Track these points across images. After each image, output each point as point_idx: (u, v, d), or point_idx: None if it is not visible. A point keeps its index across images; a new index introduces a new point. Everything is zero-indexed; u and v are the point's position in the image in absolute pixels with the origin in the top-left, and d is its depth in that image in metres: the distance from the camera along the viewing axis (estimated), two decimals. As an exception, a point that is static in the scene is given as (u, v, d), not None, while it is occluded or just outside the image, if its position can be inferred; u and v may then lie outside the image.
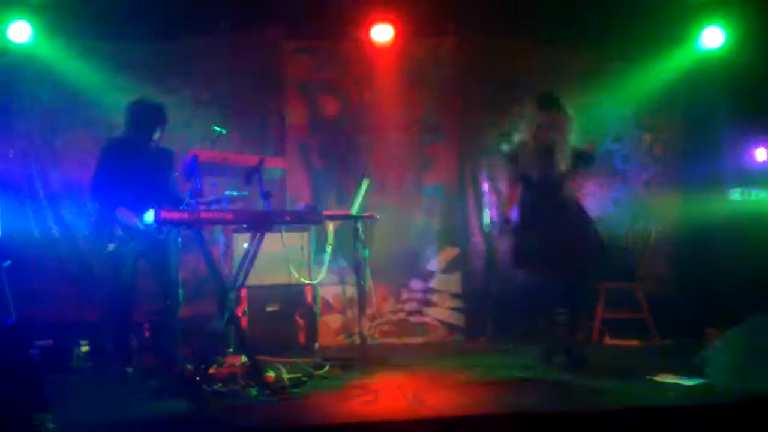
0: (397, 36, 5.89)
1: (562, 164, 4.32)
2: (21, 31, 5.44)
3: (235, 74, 5.86)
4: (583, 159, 4.39)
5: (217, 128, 4.58)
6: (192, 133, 5.61)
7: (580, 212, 4.46)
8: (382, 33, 5.86)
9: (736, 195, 5.72)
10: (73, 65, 5.58)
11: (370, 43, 5.93)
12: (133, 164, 4.33)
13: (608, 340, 5.46)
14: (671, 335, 5.42)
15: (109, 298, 4.39)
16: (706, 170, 6.08)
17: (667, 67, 6.10)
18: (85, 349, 4.63)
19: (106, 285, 4.36)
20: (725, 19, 5.90)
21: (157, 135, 4.40)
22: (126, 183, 4.28)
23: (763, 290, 4.81)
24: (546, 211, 4.34)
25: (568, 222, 4.32)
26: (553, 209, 4.33)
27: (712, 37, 5.96)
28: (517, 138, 4.49)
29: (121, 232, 4.19)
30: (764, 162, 6.09)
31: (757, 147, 6.07)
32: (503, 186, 5.48)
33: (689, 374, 3.85)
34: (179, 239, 4.34)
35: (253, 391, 3.73)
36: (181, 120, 5.56)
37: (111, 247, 4.20)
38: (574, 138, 4.38)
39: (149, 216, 3.79)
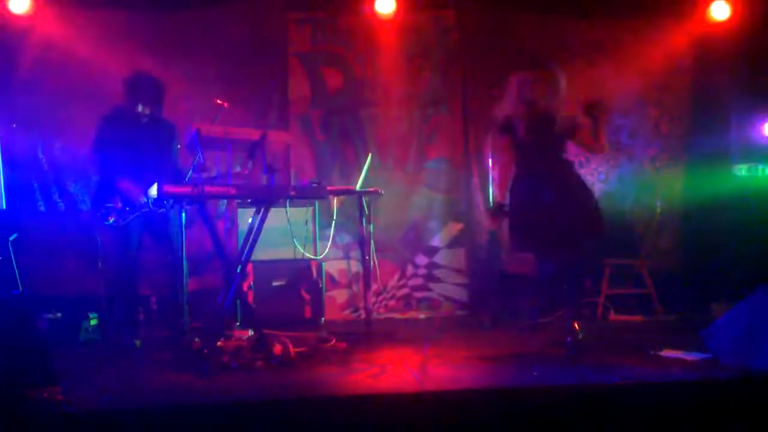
0: (399, 9, 5.83)
1: (555, 126, 4.03)
2: (20, 2, 5.38)
3: (237, 46, 5.80)
4: (594, 110, 4.02)
5: (218, 101, 4.56)
6: (193, 107, 5.57)
7: (578, 184, 4.15)
8: (385, 5, 5.80)
9: (742, 170, 5.69)
10: (74, 36, 5.52)
11: (373, 15, 5.87)
12: (134, 135, 4.33)
13: (613, 316, 5.47)
14: (676, 311, 5.44)
15: (115, 271, 4.41)
16: (713, 145, 6.05)
17: (674, 41, 6.04)
18: (93, 322, 4.65)
19: (112, 258, 4.38)
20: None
21: (147, 110, 4.38)
22: (126, 154, 4.28)
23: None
24: (541, 185, 4.07)
25: (564, 196, 4.02)
26: (548, 182, 4.05)
27: (719, 10, 5.88)
28: (507, 103, 4.19)
29: (122, 205, 4.20)
30: (771, 137, 6.05)
31: (764, 122, 6.03)
32: (497, 163, 4.96)
33: (694, 349, 3.87)
34: (184, 213, 4.34)
35: (260, 364, 3.76)
36: (183, 93, 5.52)
37: (111, 219, 4.21)
38: (561, 98, 4.09)
39: (153, 190, 3.78)
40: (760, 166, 5.64)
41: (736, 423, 3.10)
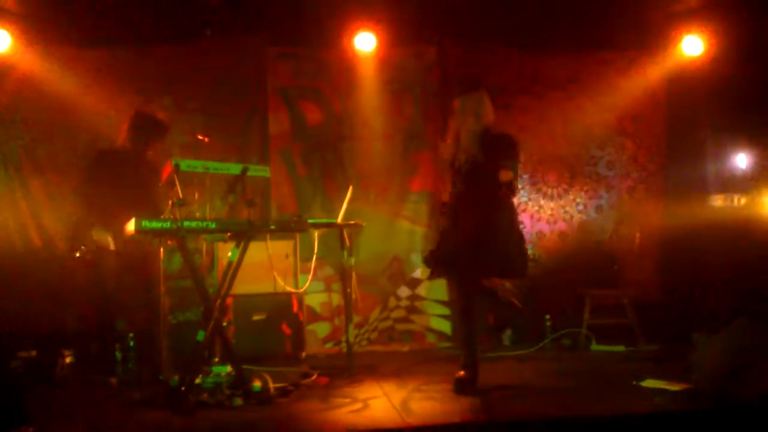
0: (379, 44, 5.90)
1: (470, 148, 3.97)
2: (1, 40, 5.38)
3: (217, 81, 5.82)
4: (510, 159, 3.93)
5: (199, 137, 4.57)
6: (174, 141, 5.57)
7: (495, 213, 4.00)
8: (365, 41, 5.87)
9: (718, 201, 5.77)
10: (53, 73, 5.52)
11: (353, 50, 5.93)
12: (123, 177, 4.33)
13: (595, 346, 5.48)
14: (657, 340, 5.45)
15: (92, 307, 4.35)
16: (690, 176, 6.16)
17: (649, 74, 6.17)
18: (68, 359, 4.56)
19: (87, 294, 4.32)
20: (705, 27, 5.97)
21: (151, 145, 4.40)
22: (112, 197, 4.27)
23: (747, 295, 4.85)
24: (462, 207, 4.05)
25: (481, 221, 3.95)
26: (467, 210, 4.02)
27: (692, 46, 6.02)
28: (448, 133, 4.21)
29: (92, 244, 4.19)
30: (745, 168, 6.16)
31: (738, 153, 6.14)
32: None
33: (675, 379, 3.87)
34: (161, 249, 4.31)
35: (239, 401, 3.70)
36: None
37: (78, 253, 4.19)
38: (482, 120, 4.03)
39: (131, 226, 3.75)
40: (735, 197, 5.72)
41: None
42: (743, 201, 5.72)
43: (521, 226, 4.23)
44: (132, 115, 4.47)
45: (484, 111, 4.09)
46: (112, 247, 4.18)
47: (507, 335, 5.80)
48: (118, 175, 4.34)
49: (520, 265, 4.07)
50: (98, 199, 4.30)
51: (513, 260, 4.02)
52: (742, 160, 6.14)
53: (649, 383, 3.94)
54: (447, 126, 4.27)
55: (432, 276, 4.40)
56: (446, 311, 5.96)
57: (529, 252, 5.78)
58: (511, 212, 4.10)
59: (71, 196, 4.39)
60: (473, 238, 3.92)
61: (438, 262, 4.13)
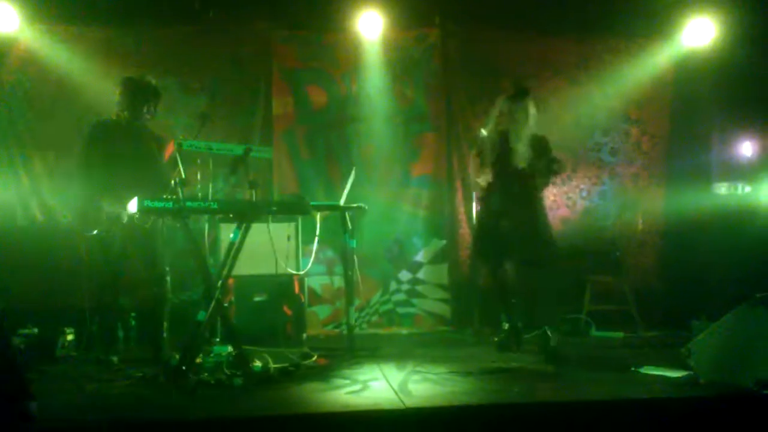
0: (383, 27, 5.87)
1: (516, 156, 4.38)
2: (5, 17, 5.36)
3: (222, 62, 5.82)
4: (545, 158, 4.38)
5: (203, 116, 4.54)
6: (177, 121, 5.56)
7: (534, 208, 4.47)
8: (369, 24, 5.84)
9: (722, 189, 5.75)
10: (57, 51, 5.50)
11: (357, 33, 5.90)
12: (121, 148, 4.27)
13: (594, 332, 5.49)
14: (657, 327, 5.47)
15: (96, 284, 4.35)
16: (693, 164, 6.14)
17: (656, 61, 6.13)
18: (70, 337, 4.58)
19: (94, 271, 4.32)
20: (713, 13, 5.92)
21: (146, 111, 4.36)
22: (113, 167, 4.23)
23: (748, 283, 4.84)
24: (501, 203, 4.45)
25: (518, 215, 4.40)
26: (507, 202, 4.43)
27: (700, 32, 5.97)
28: (489, 127, 4.56)
29: (105, 218, 4.16)
30: (750, 156, 6.13)
31: (743, 141, 6.11)
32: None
33: (674, 366, 3.88)
34: (164, 228, 4.30)
35: (239, 381, 3.72)
36: (167, 108, 5.49)
37: (95, 231, 4.17)
38: (529, 133, 4.41)
39: (133, 205, 3.74)
40: (740, 185, 5.70)
41: (716, 440, 3.11)
42: (747, 189, 5.70)
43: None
44: (122, 82, 4.42)
45: (531, 119, 4.42)
46: (124, 219, 4.15)
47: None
48: (118, 144, 4.29)
49: (552, 252, 4.47)
50: (102, 171, 4.27)
51: (548, 248, 4.42)
52: (747, 148, 6.11)
53: (648, 369, 3.95)
54: (488, 121, 4.58)
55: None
56: (446, 295, 5.98)
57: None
58: (544, 207, 4.57)
59: (75, 171, 4.35)
60: (521, 231, 4.35)
61: (485, 248, 4.59)
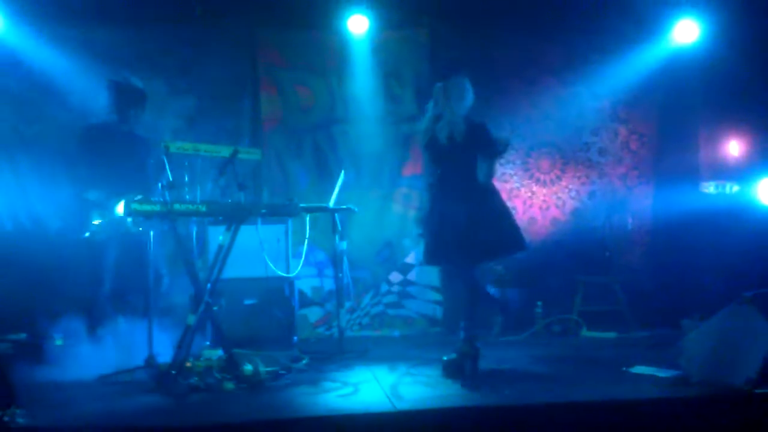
0: (371, 27, 5.85)
1: (454, 131, 4.00)
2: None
3: (208, 63, 5.77)
4: (484, 138, 4.00)
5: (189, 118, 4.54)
6: (164, 123, 5.51)
7: (486, 197, 4.04)
8: (357, 24, 5.82)
9: (710, 188, 5.78)
10: (42, 53, 5.45)
11: (345, 33, 5.88)
12: (112, 151, 4.27)
13: (586, 332, 5.50)
14: (648, 327, 5.48)
15: (84, 289, 4.32)
16: (681, 163, 6.15)
17: (643, 61, 6.14)
18: (58, 342, 4.54)
19: (85, 275, 4.29)
20: (700, 13, 5.94)
21: (133, 114, 4.34)
22: (105, 171, 4.22)
23: (737, 282, 4.87)
24: (447, 195, 4.05)
25: (469, 208, 3.96)
26: (454, 193, 4.02)
27: (688, 31, 6.00)
28: (426, 117, 4.22)
29: (98, 221, 4.13)
30: (738, 155, 6.16)
31: (731, 141, 6.14)
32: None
33: (665, 366, 3.89)
34: (152, 231, 4.27)
35: (230, 385, 3.69)
36: (154, 109, 5.45)
37: (88, 234, 4.14)
38: (464, 111, 4.06)
39: (120, 208, 3.71)
40: (728, 184, 5.73)
41: (707, 439, 3.12)
42: (735, 188, 5.72)
43: (507, 203, 4.23)
44: (108, 86, 4.41)
45: (467, 95, 4.11)
46: (115, 222, 4.12)
47: (498, 321, 5.80)
48: (108, 148, 4.30)
49: (517, 239, 4.08)
50: (92, 174, 4.26)
51: (508, 237, 4.04)
52: (734, 148, 6.14)
53: (639, 369, 3.95)
54: (424, 109, 4.28)
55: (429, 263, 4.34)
56: (438, 297, 5.97)
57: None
58: (494, 192, 4.13)
59: (66, 174, 4.34)
60: (466, 225, 3.93)
61: (433, 250, 4.13)
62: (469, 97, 4.11)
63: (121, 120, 4.40)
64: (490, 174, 4.03)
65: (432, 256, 4.18)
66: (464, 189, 4.01)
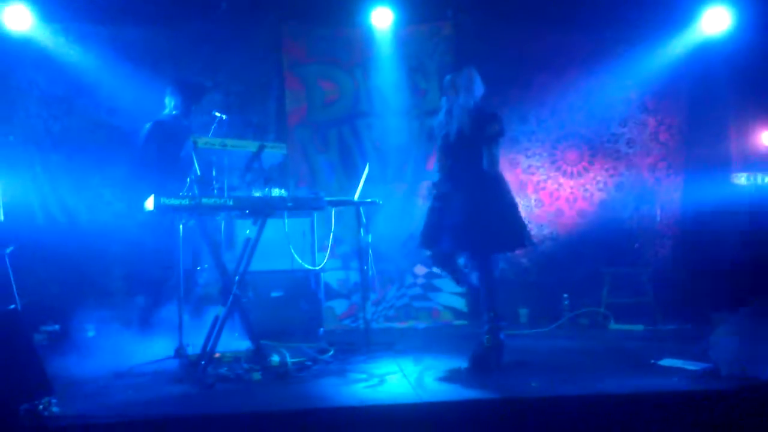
0: (396, 21, 5.85)
1: (461, 123, 3.99)
2: (19, 17, 5.40)
3: (234, 59, 5.83)
4: (487, 126, 3.96)
5: (217, 114, 4.59)
6: (192, 119, 5.57)
7: (488, 187, 3.99)
8: (382, 18, 5.83)
9: (741, 179, 5.68)
10: (71, 51, 5.55)
11: (370, 27, 5.89)
12: (175, 148, 4.39)
13: (613, 325, 5.45)
14: (676, 320, 5.42)
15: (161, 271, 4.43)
16: (712, 154, 6.05)
17: (672, 51, 6.05)
18: (90, 334, 4.63)
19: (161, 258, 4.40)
20: (730, 2, 5.83)
21: (193, 111, 4.72)
22: (168, 165, 4.40)
23: (768, 275, 4.80)
24: (452, 183, 4.06)
25: (467, 196, 3.95)
26: (458, 183, 4.02)
27: (718, 20, 5.89)
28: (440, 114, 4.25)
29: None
30: (770, 146, 6.05)
31: (762, 131, 6.02)
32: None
33: (694, 359, 3.85)
34: (181, 225, 4.33)
35: (257, 375, 3.74)
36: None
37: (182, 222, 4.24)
38: (473, 102, 4.04)
39: (149, 203, 3.77)
40: (759, 175, 5.62)
41: (736, 433, 3.08)
42: (767, 180, 5.62)
43: (514, 197, 4.14)
44: (174, 83, 4.69)
45: (475, 87, 4.08)
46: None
47: (524, 313, 5.79)
48: (176, 144, 4.41)
49: (516, 235, 4.02)
50: (158, 169, 4.41)
51: (506, 231, 3.99)
52: (766, 138, 6.02)
53: (668, 362, 3.92)
54: (440, 105, 4.29)
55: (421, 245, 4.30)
56: (462, 289, 5.95)
57: (547, 230, 5.80)
58: (499, 183, 4.05)
59: (134, 169, 4.49)
60: (462, 213, 3.92)
61: (425, 233, 4.15)
62: (478, 88, 4.10)
63: (183, 116, 4.67)
64: (492, 162, 3.97)
65: (424, 238, 4.18)
66: (468, 178, 4.01)
